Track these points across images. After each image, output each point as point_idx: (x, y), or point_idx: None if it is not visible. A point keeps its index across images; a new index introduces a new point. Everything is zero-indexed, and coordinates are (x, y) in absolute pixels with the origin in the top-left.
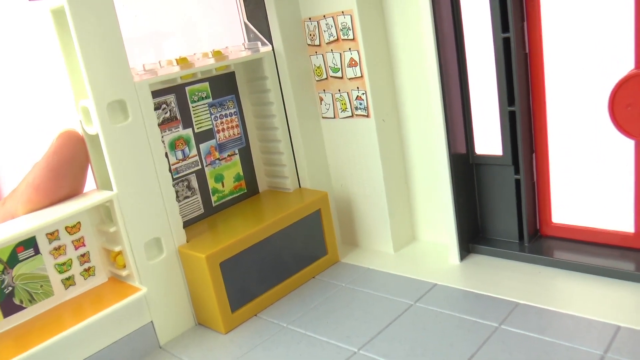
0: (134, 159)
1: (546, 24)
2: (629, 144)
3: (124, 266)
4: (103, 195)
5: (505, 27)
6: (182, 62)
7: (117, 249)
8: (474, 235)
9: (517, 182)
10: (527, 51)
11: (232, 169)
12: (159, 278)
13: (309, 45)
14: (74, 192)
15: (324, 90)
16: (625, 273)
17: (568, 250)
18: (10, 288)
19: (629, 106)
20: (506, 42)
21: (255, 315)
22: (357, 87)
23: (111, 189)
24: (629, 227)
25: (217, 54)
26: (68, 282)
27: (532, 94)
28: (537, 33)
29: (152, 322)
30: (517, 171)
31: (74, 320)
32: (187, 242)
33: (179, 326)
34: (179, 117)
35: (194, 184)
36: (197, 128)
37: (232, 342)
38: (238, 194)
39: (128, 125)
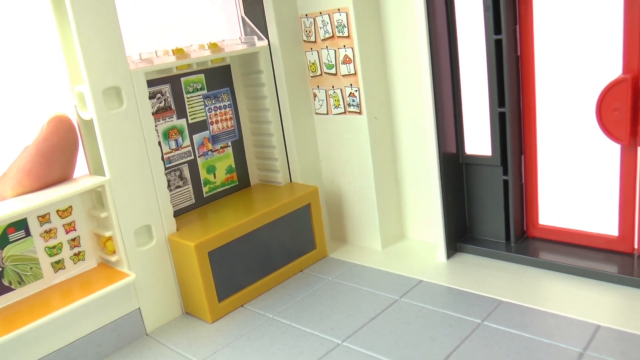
0: (127, 146)
1: (538, 27)
2: (616, 148)
3: (114, 252)
4: (95, 180)
5: (497, 29)
6: (178, 52)
7: (107, 234)
8: (461, 234)
9: (505, 183)
10: (518, 54)
11: (225, 161)
12: (148, 265)
13: (304, 41)
14: (65, 177)
15: (318, 87)
16: (609, 275)
17: (554, 252)
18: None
19: (615, 110)
20: (498, 44)
21: (242, 306)
22: (351, 84)
23: (104, 175)
24: (613, 230)
25: (213, 46)
26: (58, 265)
27: (522, 96)
28: (529, 36)
29: (139, 308)
30: (505, 172)
31: (62, 303)
32: (177, 230)
33: (166, 314)
34: (173, 107)
35: (186, 174)
36: (191, 119)
37: (218, 332)
38: (229, 186)
39: (122, 112)
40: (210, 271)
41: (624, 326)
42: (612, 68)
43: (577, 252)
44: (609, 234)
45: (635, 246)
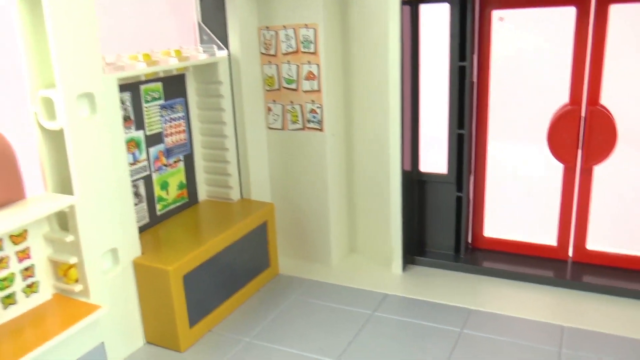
0: (98, 160)
1: (495, 57)
2: (558, 168)
3: (77, 281)
4: (62, 201)
5: (462, 57)
6: (147, 58)
7: (72, 261)
8: (413, 247)
9: (459, 199)
10: (474, 80)
11: (177, 176)
12: (113, 293)
13: (262, 54)
14: (10, 199)
15: (274, 101)
16: (552, 280)
17: (501, 261)
18: None
19: (564, 136)
20: (461, 70)
21: (210, 330)
22: (313, 101)
23: (68, 192)
24: (552, 240)
25: (178, 54)
26: (8, 300)
27: (476, 119)
28: (486, 65)
29: (103, 343)
30: (459, 189)
31: (19, 350)
32: (142, 253)
33: (128, 346)
34: (132, 117)
35: (142, 190)
36: (149, 130)
37: None
38: (180, 203)
39: (95, 122)
40: (184, 296)
41: (584, 325)
42: (559, 98)
43: (520, 261)
44: (548, 243)
45: (570, 254)
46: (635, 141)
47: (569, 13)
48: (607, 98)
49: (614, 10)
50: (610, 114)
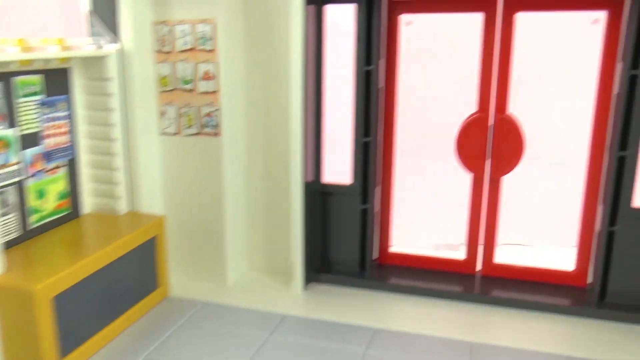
0: None
1: (402, 62)
2: (465, 180)
3: None
4: None
5: (368, 61)
6: (21, 44)
7: None
8: (315, 264)
9: (364, 211)
10: (381, 85)
11: (57, 184)
12: None
13: (157, 51)
14: None
15: (168, 103)
16: (460, 294)
17: (407, 277)
18: None
19: (471, 144)
20: (368, 75)
21: None
22: (210, 103)
23: None
24: (460, 254)
25: (61, 43)
26: None
27: (383, 127)
28: (393, 70)
29: None
30: (364, 201)
31: None
32: (5, 271)
33: None
34: (2, 112)
35: (12, 198)
36: (23, 129)
37: None
38: (61, 215)
39: None
40: (53, 321)
41: (492, 340)
42: (469, 106)
43: (428, 276)
44: (456, 258)
45: (478, 268)
46: (541, 151)
47: (477, 19)
48: (514, 106)
49: (520, 18)
50: (517, 122)
